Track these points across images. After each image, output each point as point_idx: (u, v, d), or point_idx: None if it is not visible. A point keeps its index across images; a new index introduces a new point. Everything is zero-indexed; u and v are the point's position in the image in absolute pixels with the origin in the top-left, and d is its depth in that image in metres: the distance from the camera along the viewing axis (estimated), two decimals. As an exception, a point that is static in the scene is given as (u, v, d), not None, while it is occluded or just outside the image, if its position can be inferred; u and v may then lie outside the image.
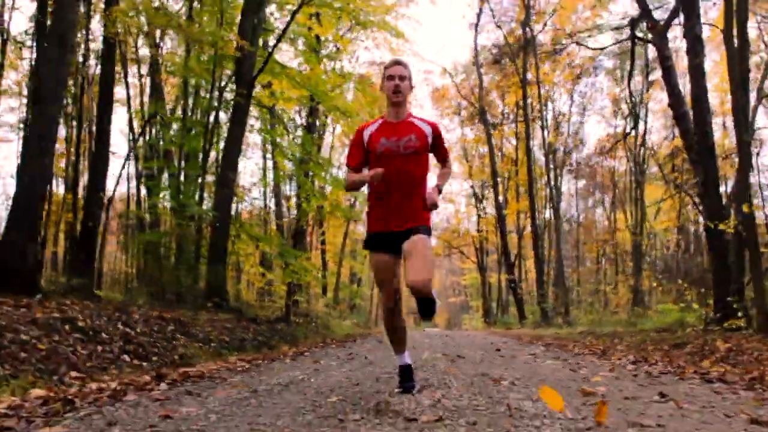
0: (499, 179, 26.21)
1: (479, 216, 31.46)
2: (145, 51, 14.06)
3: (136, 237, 11.97)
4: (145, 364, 5.47)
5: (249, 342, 8.62)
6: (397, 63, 3.28)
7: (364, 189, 3.41)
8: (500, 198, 24.88)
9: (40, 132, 6.39)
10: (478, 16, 22.39)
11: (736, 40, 8.65)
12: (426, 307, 3.15)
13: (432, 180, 3.38)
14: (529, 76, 20.71)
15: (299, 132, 17.44)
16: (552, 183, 24.92)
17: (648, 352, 6.03)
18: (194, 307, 9.40)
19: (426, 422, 2.37)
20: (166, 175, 13.84)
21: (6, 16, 11.73)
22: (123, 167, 11.60)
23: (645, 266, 21.42)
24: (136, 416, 2.56)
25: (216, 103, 12.47)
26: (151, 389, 3.42)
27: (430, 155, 3.39)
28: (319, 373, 4.35)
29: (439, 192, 3.29)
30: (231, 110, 11.34)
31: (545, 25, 19.38)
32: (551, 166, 25.27)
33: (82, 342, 5.24)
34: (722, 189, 12.45)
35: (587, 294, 23.93)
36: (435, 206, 3.19)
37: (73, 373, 4.48)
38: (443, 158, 3.45)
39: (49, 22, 7.63)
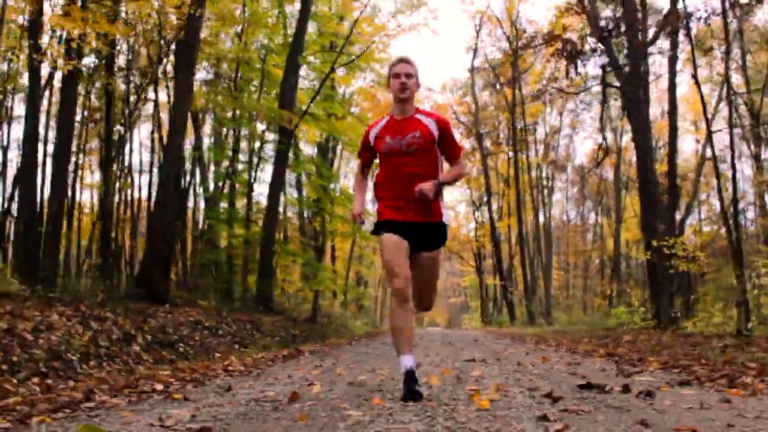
0: (494, 192, 29.37)
1: (477, 223, 34.51)
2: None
3: (200, 254, 14.96)
4: (248, 350, 8.44)
5: (298, 337, 11.62)
6: (403, 61, 3.21)
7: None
8: (494, 212, 27.91)
9: (166, 194, 9.43)
10: (475, 52, 25.37)
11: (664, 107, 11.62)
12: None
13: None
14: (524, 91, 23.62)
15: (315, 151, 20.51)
16: (542, 196, 27.97)
17: (575, 342, 9.01)
18: (248, 311, 12.38)
19: (432, 357, 5.47)
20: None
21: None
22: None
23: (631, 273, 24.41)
24: (325, 360, 5.60)
25: (259, 144, 15.56)
26: (303, 355, 6.47)
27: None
28: (375, 349, 7.41)
29: (438, 187, 3.11)
30: (275, 155, 14.33)
31: (531, 66, 22.35)
32: (542, 178, 28.32)
33: (211, 335, 8.22)
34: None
35: (570, 298, 26.97)
36: (424, 196, 3.02)
37: (217, 354, 7.45)
38: (453, 155, 3.28)
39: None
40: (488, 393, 2.84)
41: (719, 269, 10.73)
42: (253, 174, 15.44)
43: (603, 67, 19.02)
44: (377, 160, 3.38)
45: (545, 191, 30.55)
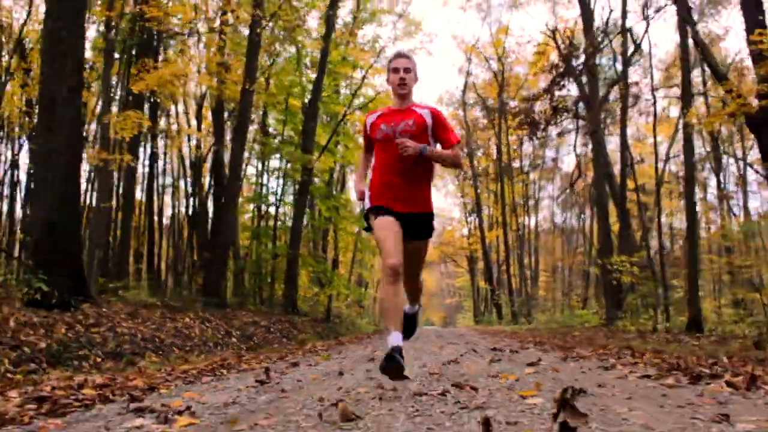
0: (484, 204, 32.53)
1: (469, 230, 37.64)
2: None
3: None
4: (293, 342, 11.44)
5: (322, 333, 14.64)
6: (401, 56, 3.35)
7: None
8: (484, 220, 31.02)
9: (224, 224, 12.47)
10: (465, 85, 28.44)
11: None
12: (407, 328, 3.37)
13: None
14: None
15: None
16: (527, 207, 31.08)
17: (535, 335, 12.06)
18: (279, 313, 15.38)
19: (428, 343, 8.53)
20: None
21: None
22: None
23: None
24: (365, 345, 8.63)
25: (283, 176, 18.60)
26: (345, 344, 9.48)
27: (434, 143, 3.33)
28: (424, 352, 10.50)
29: (421, 153, 3.15)
30: (298, 185, 17.34)
31: (516, 94, 25.46)
32: (527, 191, 31.41)
33: (267, 332, 11.23)
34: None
35: (553, 299, 30.11)
36: (404, 146, 3.11)
37: (275, 345, 10.45)
38: (448, 141, 3.30)
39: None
40: (450, 351, 5.95)
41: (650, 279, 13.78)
42: (277, 199, 18.47)
43: (575, 100, 22.15)
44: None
45: (531, 202, 33.67)
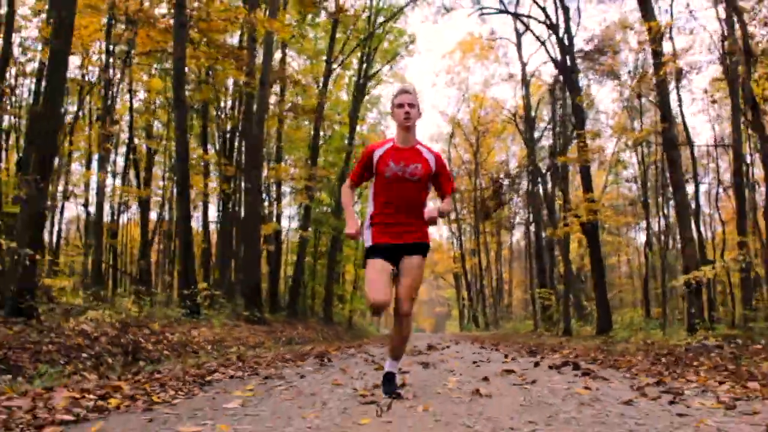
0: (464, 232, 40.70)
1: (454, 253, 45.65)
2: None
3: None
4: (344, 340, 19.18)
5: (353, 336, 22.45)
6: (405, 91, 3.55)
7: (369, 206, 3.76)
8: (465, 251, 39.12)
9: (300, 263, 20.41)
10: (451, 134, 36.64)
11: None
12: (389, 384, 3.63)
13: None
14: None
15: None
16: (499, 237, 39.16)
17: (489, 338, 19.97)
18: (321, 324, 23.22)
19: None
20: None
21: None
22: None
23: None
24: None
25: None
26: (383, 338, 17.43)
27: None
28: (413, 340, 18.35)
29: (440, 215, 3.53)
30: (331, 238, 25.25)
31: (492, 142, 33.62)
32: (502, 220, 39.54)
33: (327, 335, 18.99)
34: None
35: (521, 310, 38.22)
36: (433, 222, 3.53)
37: (336, 343, 18.23)
38: (446, 191, 3.70)
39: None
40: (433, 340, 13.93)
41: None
42: (316, 245, 26.44)
43: (529, 171, 29.91)
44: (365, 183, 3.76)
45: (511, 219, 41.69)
